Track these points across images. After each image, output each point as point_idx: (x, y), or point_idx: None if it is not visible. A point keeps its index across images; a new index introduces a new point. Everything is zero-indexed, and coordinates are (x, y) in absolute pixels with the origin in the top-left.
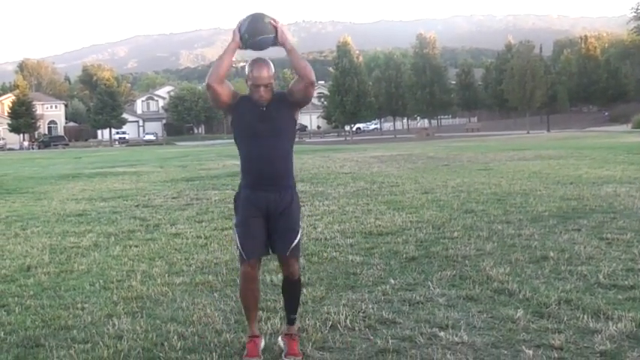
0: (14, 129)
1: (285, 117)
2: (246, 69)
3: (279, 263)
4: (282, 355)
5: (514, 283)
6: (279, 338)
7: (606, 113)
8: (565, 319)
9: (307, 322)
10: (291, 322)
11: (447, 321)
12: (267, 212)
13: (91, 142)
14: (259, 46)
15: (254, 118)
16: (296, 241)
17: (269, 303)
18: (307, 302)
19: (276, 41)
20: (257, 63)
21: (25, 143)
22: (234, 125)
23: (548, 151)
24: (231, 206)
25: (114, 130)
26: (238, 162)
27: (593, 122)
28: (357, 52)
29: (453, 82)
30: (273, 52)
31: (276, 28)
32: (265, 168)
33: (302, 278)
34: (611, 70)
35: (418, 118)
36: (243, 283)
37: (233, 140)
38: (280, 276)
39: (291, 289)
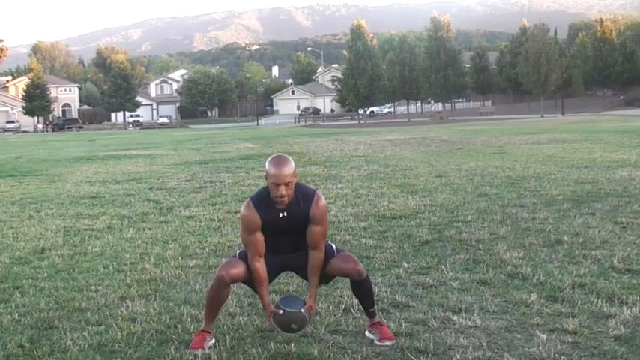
0: (28, 112)
1: (304, 226)
2: (266, 166)
3: (343, 276)
4: (375, 340)
5: (528, 267)
6: (366, 332)
7: (621, 97)
8: (579, 303)
9: (321, 305)
10: (371, 315)
11: (460, 305)
12: (288, 265)
13: (104, 124)
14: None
15: (274, 226)
16: (334, 247)
17: (282, 286)
18: (320, 286)
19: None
20: (277, 161)
21: (40, 126)
22: None
23: (562, 135)
24: (245, 189)
25: (128, 113)
26: (251, 145)
27: (608, 106)
28: (371, 35)
29: (467, 66)
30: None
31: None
32: (288, 252)
33: None
34: (626, 54)
35: (432, 101)
36: (216, 287)
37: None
38: None
39: (363, 288)
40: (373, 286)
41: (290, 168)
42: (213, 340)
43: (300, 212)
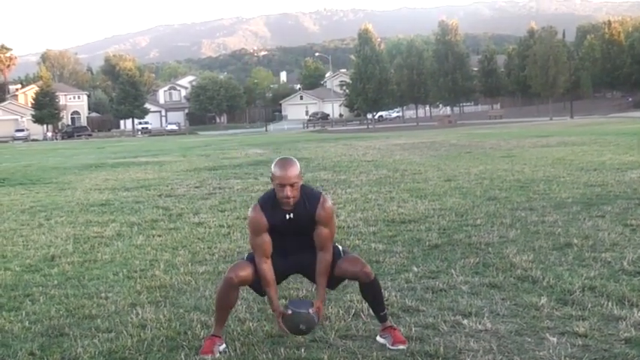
0: (38, 120)
1: (310, 227)
2: (272, 168)
3: (351, 278)
4: (388, 344)
5: (538, 270)
6: (378, 337)
7: (630, 99)
8: (589, 306)
9: (330, 310)
10: (382, 319)
11: (470, 308)
12: (296, 267)
13: (113, 132)
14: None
15: (280, 227)
16: (341, 249)
17: (292, 291)
18: (330, 290)
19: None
20: (282, 163)
21: (49, 134)
22: None
23: (571, 138)
24: (254, 195)
25: (136, 120)
26: (260, 151)
27: (617, 108)
28: (379, 39)
29: (475, 69)
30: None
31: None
32: (295, 251)
33: None
34: (635, 55)
35: (440, 105)
36: (225, 289)
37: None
38: None
39: (372, 291)
40: (383, 290)
41: (295, 169)
42: (223, 346)
43: (306, 213)
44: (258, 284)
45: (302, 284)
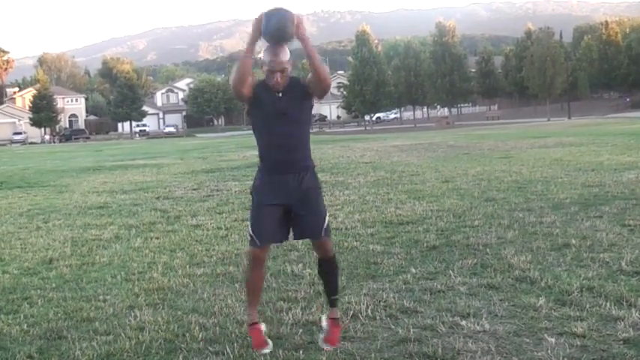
0: (35, 123)
1: (301, 104)
2: (262, 54)
3: (313, 247)
4: (320, 337)
5: (536, 271)
6: (323, 318)
7: (628, 99)
8: (587, 306)
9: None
10: (332, 303)
11: (468, 310)
12: (286, 198)
13: (111, 134)
14: (281, 34)
15: (270, 106)
16: (325, 223)
17: (290, 293)
18: None
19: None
20: (273, 48)
21: (47, 137)
22: (250, 114)
23: (569, 138)
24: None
25: (134, 123)
26: (257, 153)
27: (615, 109)
28: (376, 41)
29: (473, 70)
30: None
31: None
32: (283, 155)
33: None
34: (632, 56)
35: (438, 106)
36: (252, 267)
37: (252, 130)
38: (301, 266)
39: (328, 268)
40: (381, 292)
41: (286, 55)
42: (264, 326)
43: (297, 90)
44: (274, 239)
45: (300, 285)
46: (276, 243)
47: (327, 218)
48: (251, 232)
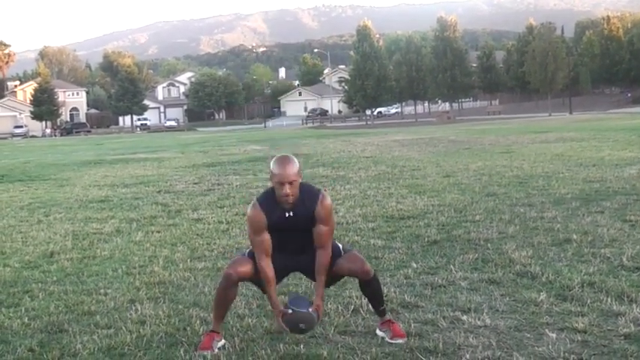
0: (36, 116)
1: (310, 227)
2: (271, 166)
3: (350, 271)
4: (387, 338)
5: (537, 266)
6: (377, 331)
7: (629, 95)
8: (588, 301)
9: (330, 306)
10: (381, 313)
11: (469, 304)
12: (297, 267)
13: (112, 128)
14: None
15: (279, 229)
16: (341, 245)
17: (291, 287)
18: (328, 287)
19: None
20: (281, 160)
21: (48, 130)
22: None
23: (570, 134)
24: (253, 191)
25: (135, 117)
26: (259, 147)
27: (616, 104)
28: (378, 35)
29: (474, 65)
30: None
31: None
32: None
33: None
34: (634, 51)
35: (439, 101)
36: (224, 285)
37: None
38: None
39: (373, 288)
40: (382, 286)
41: (294, 167)
42: (223, 342)
43: (305, 211)
44: (258, 279)
45: (301, 280)
46: (255, 284)
47: (341, 247)
48: (246, 254)
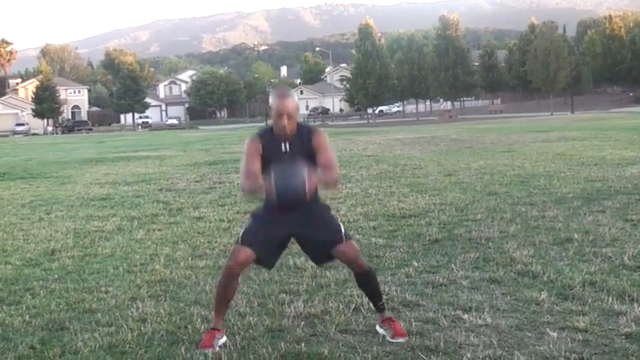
0: (38, 114)
1: (306, 160)
2: (270, 99)
3: (344, 261)
4: (388, 337)
5: (538, 265)
6: (377, 328)
7: (631, 94)
8: (589, 301)
9: (331, 304)
10: (380, 309)
11: (470, 303)
12: (291, 228)
13: (114, 126)
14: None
15: (276, 160)
16: (343, 230)
17: (292, 286)
18: (330, 285)
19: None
20: (280, 92)
21: (49, 128)
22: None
23: (572, 133)
24: None
25: (137, 115)
26: None
27: (618, 103)
28: (379, 34)
29: (476, 64)
30: (296, 36)
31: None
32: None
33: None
34: (636, 51)
35: (441, 100)
36: (225, 279)
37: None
38: (303, 259)
39: (368, 281)
40: (383, 285)
41: (293, 100)
42: (224, 339)
43: (302, 145)
44: (259, 260)
45: (302, 278)
46: (259, 263)
47: (342, 226)
48: (240, 236)
